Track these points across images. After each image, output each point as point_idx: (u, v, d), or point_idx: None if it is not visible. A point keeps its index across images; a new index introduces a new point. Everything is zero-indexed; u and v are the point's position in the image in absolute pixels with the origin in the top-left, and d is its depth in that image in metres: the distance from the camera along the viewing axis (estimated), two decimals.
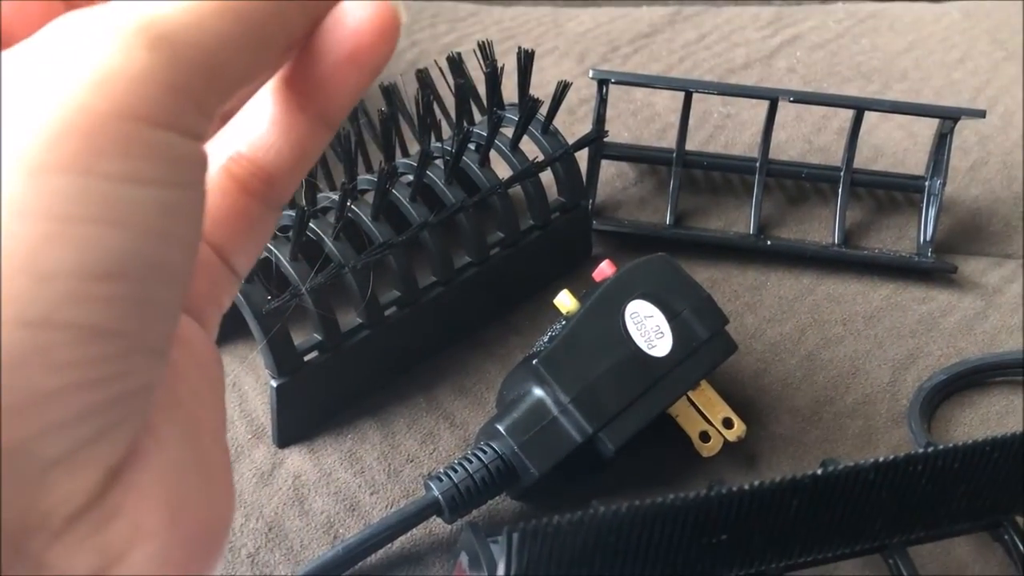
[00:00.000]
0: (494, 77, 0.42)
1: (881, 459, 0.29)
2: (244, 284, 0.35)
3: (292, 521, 0.35)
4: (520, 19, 0.62)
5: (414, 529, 0.34)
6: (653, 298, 0.37)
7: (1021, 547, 0.32)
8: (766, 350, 0.42)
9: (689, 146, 0.50)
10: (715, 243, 0.46)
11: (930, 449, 0.29)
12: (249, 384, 0.40)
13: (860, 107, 0.46)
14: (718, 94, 0.48)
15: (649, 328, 0.36)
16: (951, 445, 0.29)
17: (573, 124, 0.53)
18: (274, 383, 0.36)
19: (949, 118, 0.45)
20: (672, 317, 0.36)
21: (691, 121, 0.51)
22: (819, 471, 0.28)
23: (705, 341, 0.36)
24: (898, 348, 0.43)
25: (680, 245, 0.46)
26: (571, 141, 0.44)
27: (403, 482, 0.37)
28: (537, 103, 0.41)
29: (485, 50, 0.42)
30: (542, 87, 0.56)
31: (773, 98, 0.46)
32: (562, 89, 0.42)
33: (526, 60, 0.42)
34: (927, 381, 0.41)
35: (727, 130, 0.53)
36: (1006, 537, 0.33)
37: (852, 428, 0.40)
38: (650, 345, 0.36)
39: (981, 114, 0.44)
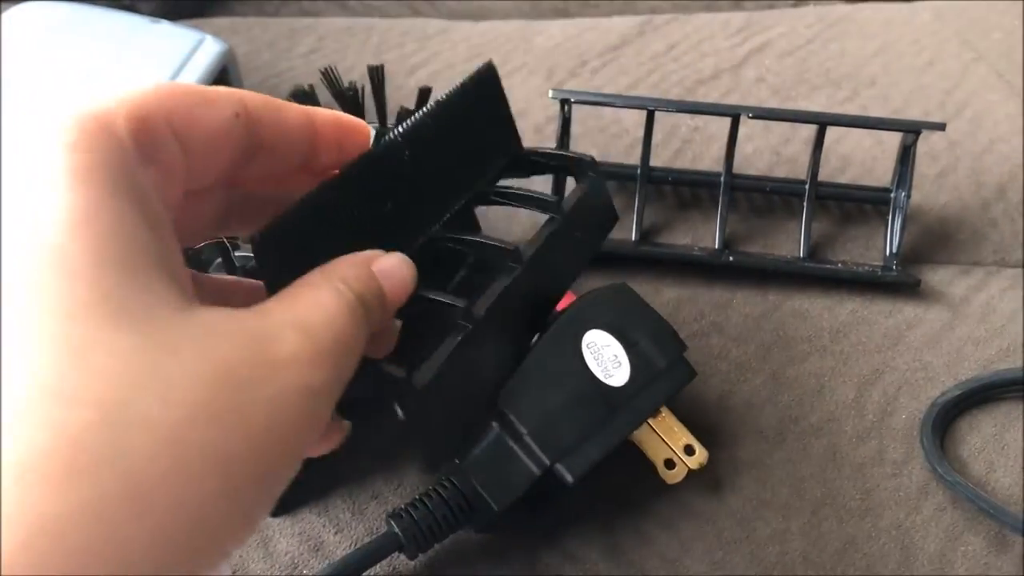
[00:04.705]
0: (355, 99, 0.40)
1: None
2: None
3: (257, 564, 0.35)
4: (489, 35, 0.62)
5: (376, 567, 0.35)
6: (610, 327, 0.37)
7: None
8: (731, 371, 0.43)
9: (658, 161, 0.50)
10: (678, 260, 0.46)
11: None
12: None
13: (820, 122, 0.46)
14: (678, 111, 0.48)
15: (606, 358, 0.36)
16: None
17: (541, 143, 0.52)
18: None
19: (910, 131, 0.45)
20: (629, 346, 0.36)
21: (659, 135, 0.51)
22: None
23: (663, 369, 0.37)
24: (864, 364, 0.43)
25: (645, 262, 0.46)
26: None
27: (367, 520, 0.37)
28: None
29: (331, 76, 0.40)
30: (511, 105, 0.56)
31: (734, 115, 0.46)
32: (375, 73, 0.41)
33: (379, 77, 0.40)
34: (940, 397, 0.41)
35: (695, 143, 0.53)
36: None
37: (817, 447, 0.40)
38: (607, 375, 0.36)
39: (941, 127, 0.44)
